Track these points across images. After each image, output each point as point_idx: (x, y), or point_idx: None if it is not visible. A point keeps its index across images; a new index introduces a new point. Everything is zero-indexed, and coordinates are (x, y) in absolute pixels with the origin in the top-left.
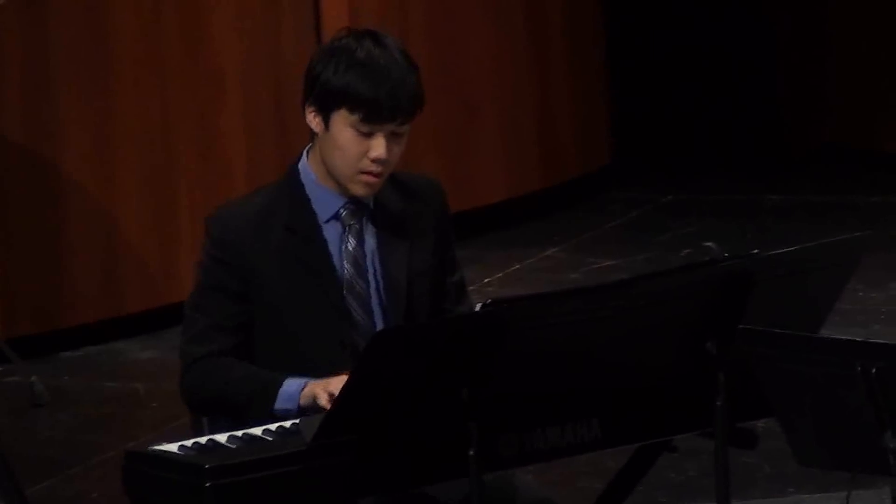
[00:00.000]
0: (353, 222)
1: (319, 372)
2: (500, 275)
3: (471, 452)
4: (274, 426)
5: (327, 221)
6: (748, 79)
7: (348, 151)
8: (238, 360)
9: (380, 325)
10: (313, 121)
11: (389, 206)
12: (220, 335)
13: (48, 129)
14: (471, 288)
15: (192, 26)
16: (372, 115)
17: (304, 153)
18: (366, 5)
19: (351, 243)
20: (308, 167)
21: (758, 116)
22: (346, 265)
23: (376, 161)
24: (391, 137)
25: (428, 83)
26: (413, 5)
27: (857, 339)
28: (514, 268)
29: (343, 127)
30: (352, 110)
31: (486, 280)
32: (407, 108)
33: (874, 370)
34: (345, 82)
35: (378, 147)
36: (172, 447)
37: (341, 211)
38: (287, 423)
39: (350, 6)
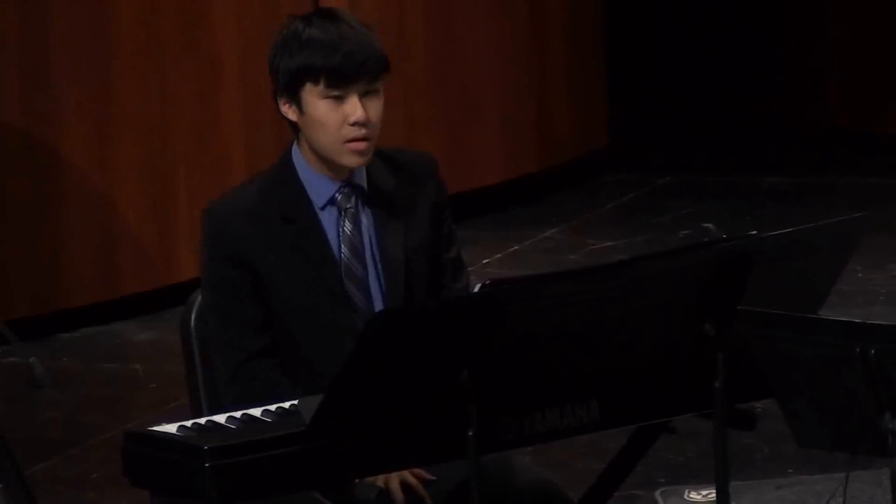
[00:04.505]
0: (348, 206)
1: (320, 360)
2: (498, 256)
3: (469, 434)
4: (273, 406)
5: (323, 208)
6: (748, 60)
7: (328, 122)
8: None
9: (379, 308)
10: (289, 111)
11: (384, 186)
12: (249, 337)
13: (47, 114)
14: (469, 269)
15: (191, 13)
16: (335, 77)
17: (294, 143)
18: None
19: (348, 227)
20: (299, 155)
21: (756, 98)
22: (344, 249)
23: (357, 124)
24: (366, 97)
25: (427, 69)
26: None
27: (857, 321)
28: (512, 249)
29: (314, 100)
30: (315, 81)
31: (484, 261)
32: (369, 63)
33: (873, 351)
34: (300, 59)
35: (354, 108)
36: (172, 428)
37: (337, 195)
38: (286, 404)
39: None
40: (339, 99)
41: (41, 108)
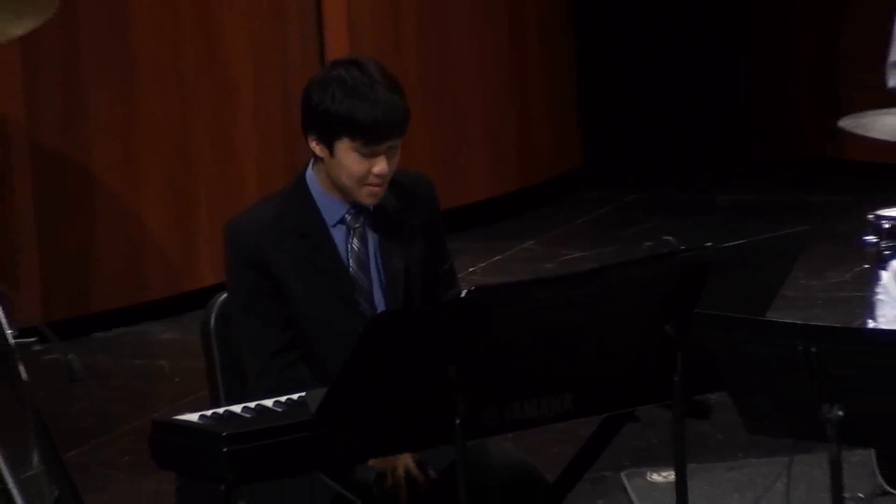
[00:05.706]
0: (356, 225)
1: (332, 361)
2: (483, 264)
3: (457, 422)
4: (283, 398)
5: (334, 226)
6: (710, 89)
7: (354, 171)
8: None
9: None
10: (317, 147)
11: (387, 207)
12: (276, 333)
13: (83, 140)
14: (458, 276)
15: (209, 47)
16: (371, 141)
17: (310, 166)
18: (364, 29)
19: (355, 244)
20: (315, 179)
21: (715, 124)
22: (352, 263)
23: (380, 175)
24: (389, 151)
25: (421, 96)
26: (405, 30)
27: (799, 322)
28: (495, 258)
29: (347, 152)
30: (353, 138)
31: (470, 269)
32: (400, 127)
33: (814, 350)
34: (342, 113)
35: (380, 164)
36: (193, 417)
37: (346, 216)
38: (295, 396)
39: (349, 33)
40: (369, 155)
41: (79, 135)
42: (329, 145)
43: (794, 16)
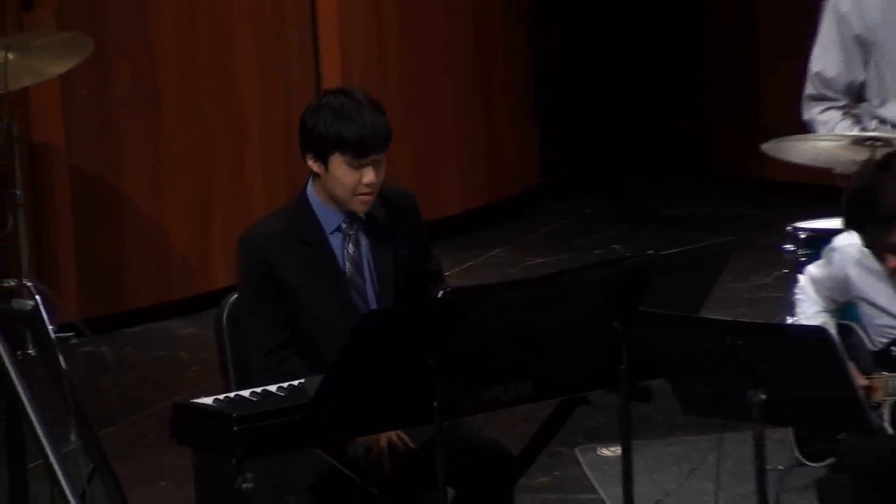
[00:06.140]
0: (351, 232)
1: (331, 353)
2: (457, 269)
3: (436, 405)
4: (286, 384)
5: (332, 233)
6: (673, 101)
7: (347, 183)
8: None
9: None
10: (313, 165)
11: (376, 216)
12: (276, 331)
13: (117, 163)
14: None
15: (225, 85)
16: (359, 154)
17: (310, 182)
18: (354, 62)
19: (350, 248)
20: (314, 193)
21: (677, 135)
22: (348, 265)
23: (369, 185)
24: (375, 164)
25: (403, 122)
26: (390, 65)
27: (727, 319)
28: (468, 264)
29: (339, 166)
30: (344, 152)
31: (446, 274)
32: (383, 142)
33: (740, 342)
34: (333, 133)
35: (368, 174)
36: (208, 400)
37: (342, 224)
38: (296, 382)
39: (342, 66)
40: (358, 167)
41: (111, 159)
42: (324, 161)
43: (760, 31)
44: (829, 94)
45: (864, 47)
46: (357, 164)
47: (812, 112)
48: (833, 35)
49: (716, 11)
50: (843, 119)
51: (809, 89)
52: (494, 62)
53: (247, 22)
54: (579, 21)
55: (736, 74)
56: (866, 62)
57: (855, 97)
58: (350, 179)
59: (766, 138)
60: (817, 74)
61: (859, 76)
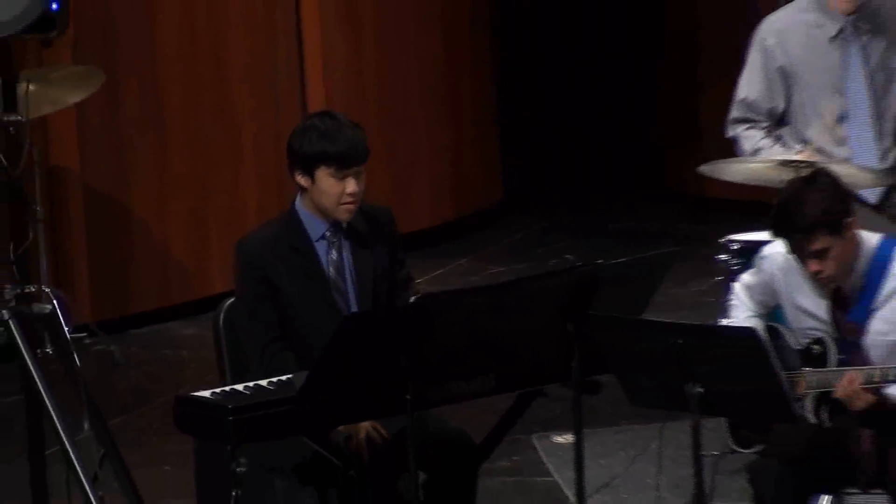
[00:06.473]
0: (334, 240)
1: (314, 347)
2: (427, 277)
3: (408, 398)
4: (275, 379)
5: (317, 241)
6: (634, 113)
7: (332, 193)
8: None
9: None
10: (301, 179)
11: (358, 228)
12: (271, 329)
13: (126, 179)
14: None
15: (223, 109)
16: (342, 166)
17: (298, 197)
18: (337, 95)
19: (334, 255)
20: (301, 206)
21: (637, 148)
22: (331, 270)
23: (351, 194)
24: (356, 175)
25: (378, 146)
26: (369, 95)
27: (668, 321)
28: (436, 273)
29: (324, 177)
30: (328, 165)
31: (416, 281)
32: (362, 155)
33: (679, 342)
34: (318, 149)
35: (350, 185)
36: (206, 393)
37: (326, 232)
38: (284, 377)
39: (325, 90)
40: (341, 178)
41: (122, 179)
42: (311, 175)
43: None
44: (752, 116)
45: (786, 78)
46: (340, 175)
47: (736, 130)
48: (759, 65)
49: (672, 24)
50: (764, 137)
51: (735, 113)
52: (463, 72)
53: (240, 26)
54: (541, 30)
55: (680, 91)
56: (789, 91)
57: (776, 121)
58: (335, 190)
59: (704, 157)
60: (742, 100)
61: (780, 104)
